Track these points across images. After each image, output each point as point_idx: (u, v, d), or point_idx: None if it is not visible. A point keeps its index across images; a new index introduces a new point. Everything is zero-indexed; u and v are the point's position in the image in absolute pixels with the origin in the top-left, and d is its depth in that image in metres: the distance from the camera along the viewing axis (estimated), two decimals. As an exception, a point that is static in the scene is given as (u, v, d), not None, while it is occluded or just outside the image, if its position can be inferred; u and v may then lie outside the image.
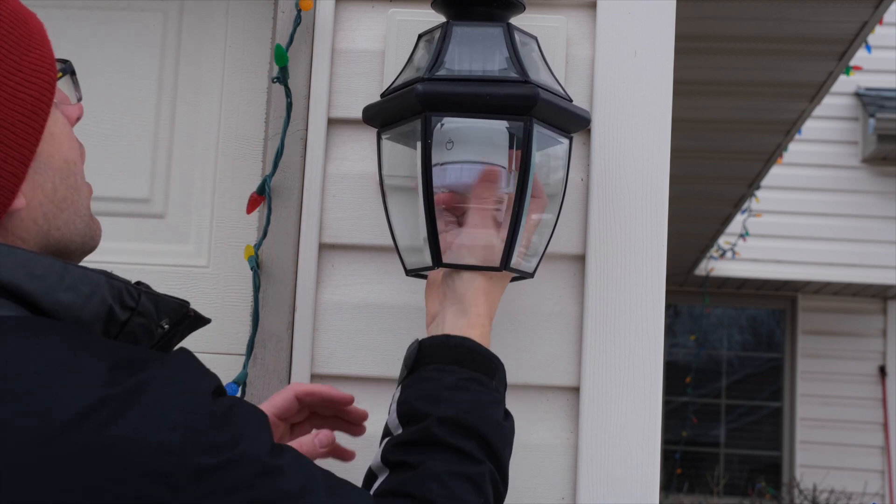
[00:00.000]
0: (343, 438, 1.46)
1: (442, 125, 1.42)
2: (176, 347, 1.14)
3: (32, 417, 0.87)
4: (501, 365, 1.30)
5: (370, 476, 1.21)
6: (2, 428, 0.86)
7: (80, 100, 1.14)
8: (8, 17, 1.03)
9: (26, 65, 1.03)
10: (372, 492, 1.15)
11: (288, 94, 1.62)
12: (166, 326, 1.09)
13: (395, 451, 1.18)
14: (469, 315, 1.32)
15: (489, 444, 1.19)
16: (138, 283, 1.07)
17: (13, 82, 1.00)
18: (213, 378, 1.00)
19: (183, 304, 1.12)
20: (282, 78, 1.61)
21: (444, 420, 1.17)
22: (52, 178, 1.05)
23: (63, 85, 1.10)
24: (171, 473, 0.88)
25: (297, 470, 0.98)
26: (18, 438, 0.86)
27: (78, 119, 1.13)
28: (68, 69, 1.11)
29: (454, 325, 1.32)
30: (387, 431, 1.25)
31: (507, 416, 1.28)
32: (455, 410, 1.17)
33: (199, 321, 1.17)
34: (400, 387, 1.27)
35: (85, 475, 0.86)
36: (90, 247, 1.12)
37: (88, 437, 0.86)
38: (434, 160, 1.41)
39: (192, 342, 1.72)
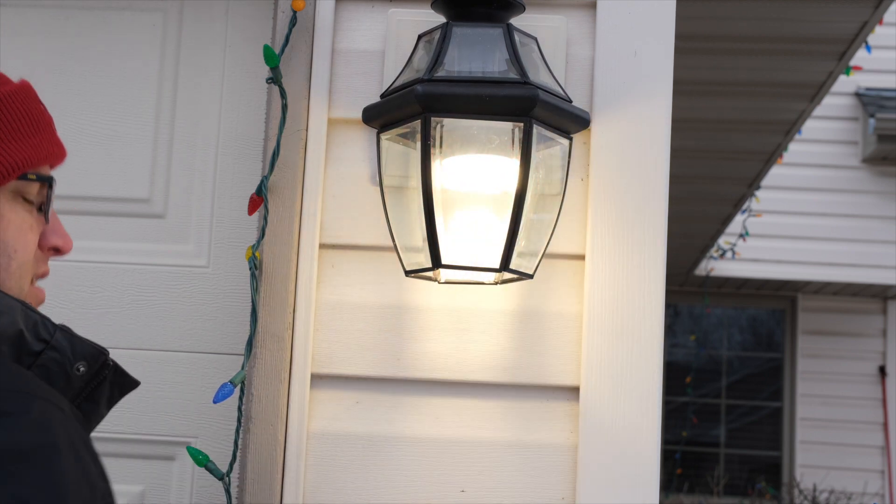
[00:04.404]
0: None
1: (441, 126, 1.42)
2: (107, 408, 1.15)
3: None
4: None
5: None
6: None
7: (42, 211, 1.14)
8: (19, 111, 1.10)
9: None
10: None
11: (283, 95, 1.62)
12: (82, 369, 1.09)
13: None
14: None
15: None
16: (62, 326, 1.09)
17: None
18: None
19: (101, 351, 1.12)
20: (275, 78, 1.62)
21: None
22: None
23: (27, 188, 1.11)
24: None
25: None
26: None
27: (53, 250, 1.15)
28: (46, 180, 1.13)
29: None
30: None
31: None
32: None
33: (126, 379, 1.16)
34: None
35: None
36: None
37: None
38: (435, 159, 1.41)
39: (192, 341, 1.73)
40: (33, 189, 1.11)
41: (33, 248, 1.12)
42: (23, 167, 1.09)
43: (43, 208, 1.13)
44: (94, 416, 1.13)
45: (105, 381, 1.13)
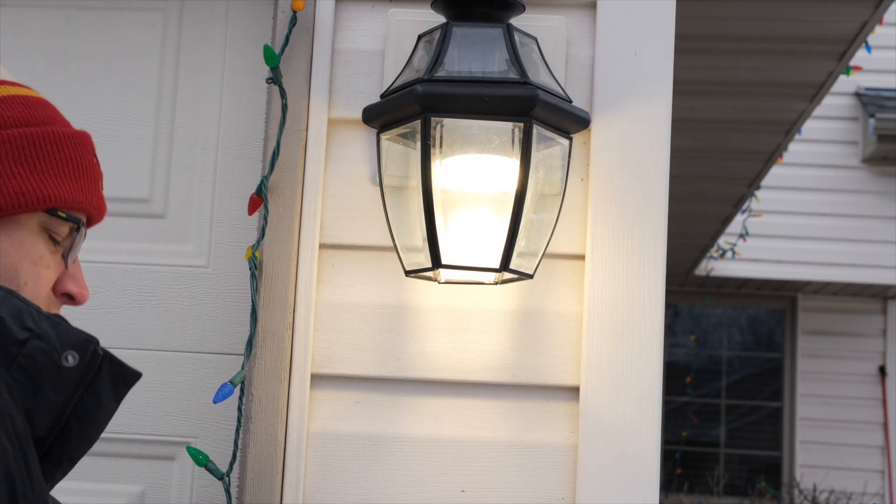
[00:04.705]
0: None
1: (441, 126, 1.42)
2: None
3: None
4: None
5: None
6: None
7: (65, 258, 1.14)
8: (70, 158, 1.13)
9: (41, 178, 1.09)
10: None
11: (283, 95, 1.63)
12: (71, 360, 1.07)
13: None
14: None
15: None
16: (49, 314, 1.07)
17: (26, 169, 1.09)
18: None
19: (89, 339, 1.09)
20: (275, 78, 1.62)
21: None
22: None
23: (56, 226, 1.11)
24: None
25: None
26: None
27: (66, 296, 1.14)
28: (74, 220, 1.13)
29: None
30: None
31: None
32: None
33: (126, 370, 1.13)
34: None
35: None
36: None
37: None
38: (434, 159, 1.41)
39: (192, 341, 1.73)
40: (62, 230, 1.12)
41: (45, 287, 1.12)
42: (53, 202, 1.10)
43: (65, 254, 1.13)
44: (97, 410, 1.10)
45: (101, 373, 1.10)
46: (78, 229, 1.14)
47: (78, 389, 1.08)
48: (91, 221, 1.19)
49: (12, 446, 0.96)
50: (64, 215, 1.11)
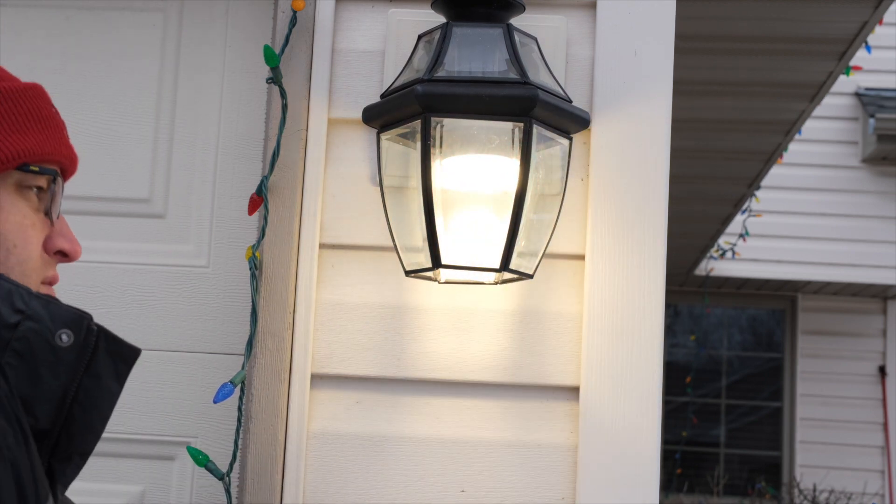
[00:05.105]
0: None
1: (441, 126, 1.42)
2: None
3: None
4: None
5: None
6: None
7: (48, 214, 1.12)
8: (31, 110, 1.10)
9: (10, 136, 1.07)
10: None
11: (283, 95, 1.63)
12: (65, 338, 1.04)
13: None
14: None
15: None
16: (40, 294, 1.05)
17: None
18: None
19: (82, 315, 1.07)
20: (275, 78, 1.62)
21: None
22: None
23: (32, 181, 1.09)
24: None
25: None
26: None
27: (60, 254, 1.12)
28: (49, 172, 1.11)
29: None
30: None
31: None
32: None
33: (123, 346, 1.10)
34: None
35: None
36: None
37: None
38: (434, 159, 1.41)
39: (192, 341, 1.73)
40: (39, 185, 1.09)
41: (35, 247, 1.10)
42: (22, 157, 1.07)
43: (48, 210, 1.11)
44: (99, 393, 1.07)
45: (98, 351, 1.07)
46: (54, 181, 1.11)
47: (77, 372, 1.05)
48: (66, 174, 1.16)
49: (11, 427, 0.95)
50: (37, 169, 1.09)
